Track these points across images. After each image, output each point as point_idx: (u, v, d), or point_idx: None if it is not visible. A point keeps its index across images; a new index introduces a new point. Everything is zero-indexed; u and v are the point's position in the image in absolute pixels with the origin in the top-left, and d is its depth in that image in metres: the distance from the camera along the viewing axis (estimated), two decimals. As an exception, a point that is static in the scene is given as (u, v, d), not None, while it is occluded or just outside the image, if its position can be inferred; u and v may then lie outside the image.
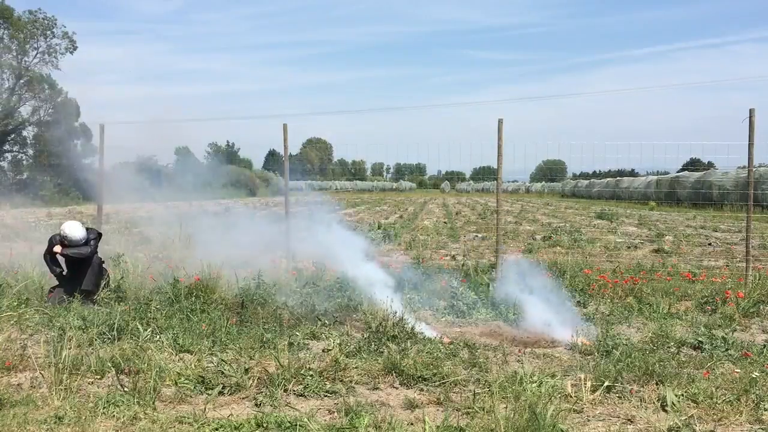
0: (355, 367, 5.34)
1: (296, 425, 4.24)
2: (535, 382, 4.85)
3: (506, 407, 4.35)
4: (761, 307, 7.96)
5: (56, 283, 8.00)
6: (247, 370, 5.15)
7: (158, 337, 6.07)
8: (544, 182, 69.71)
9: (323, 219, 9.05)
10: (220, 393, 4.92)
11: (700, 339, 6.21)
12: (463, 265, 10.28)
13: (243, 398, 4.87)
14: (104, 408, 4.53)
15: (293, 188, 10.25)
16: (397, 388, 5.10)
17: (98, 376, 5.22)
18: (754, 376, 5.01)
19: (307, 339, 6.24)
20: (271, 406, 4.63)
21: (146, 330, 6.07)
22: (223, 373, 5.17)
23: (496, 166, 10.04)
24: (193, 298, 7.48)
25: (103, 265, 8.31)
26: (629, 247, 14.99)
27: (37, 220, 20.16)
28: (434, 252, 13.80)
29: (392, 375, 5.26)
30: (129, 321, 6.37)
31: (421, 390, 5.02)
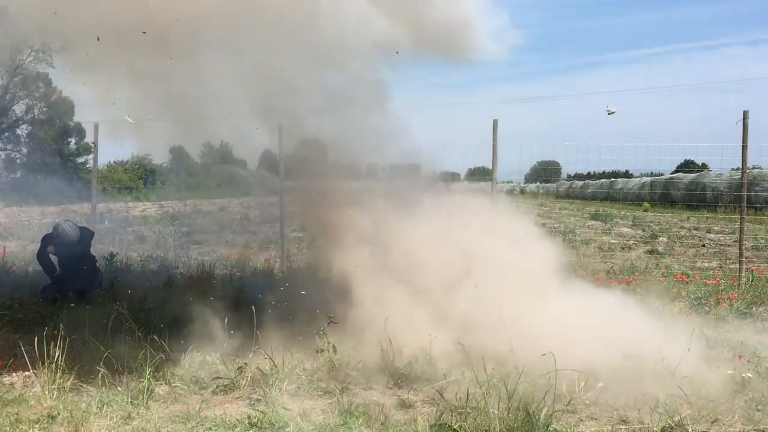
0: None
1: (290, 425, 4.24)
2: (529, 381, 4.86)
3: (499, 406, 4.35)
4: (754, 308, 7.99)
5: (49, 282, 7.97)
6: (240, 369, 5.15)
7: (152, 336, 6.04)
8: (538, 183, 69.74)
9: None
10: (214, 392, 4.92)
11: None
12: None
13: (237, 398, 4.87)
14: (97, 407, 4.52)
15: (289, 189, 10.25)
16: (390, 388, 5.11)
17: (92, 376, 5.20)
18: (746, 376, 5.04)
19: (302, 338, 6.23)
20: (264, 405, 4.63)
21: (140, 329, 6.04)
22: (217, 372, 5.16)
23: (490, 167, 10.06)
24: (187, 297, 7.45)
25: (97, 264, 8.28)
26: (623, 248, 15.03)
27: (31, 218, 20.08)
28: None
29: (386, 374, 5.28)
30: (123, 320, 6.35)
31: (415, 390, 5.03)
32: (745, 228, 10.28)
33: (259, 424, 4.28)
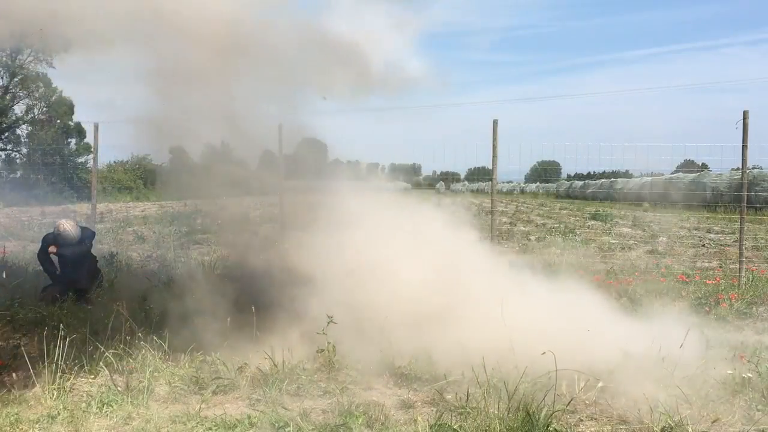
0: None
1: (290, 425, 4.24)
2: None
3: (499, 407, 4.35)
4: (754, 308, 7.99)
5: (50, 282, 7.97)
6: (240, 369, 5.15)
7: (152, 336, 6.04)
8: (538, 183, 69.80)
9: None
10: (214, 392, 4.91)
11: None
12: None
13: (237, 398, 4.87)
14: (98, 407, 4.52)
15: (289, 189, 10.29)
16: (390, 388, 5.11)
17: (92, 376, 5.21)
18: (746, 376, 5.04)
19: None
20: (264, 405, 4.63)
21: (140, 329, 6.04)
22: (217, 372, 5.16)
23: (490, 167, 10.07)
24: (187, 297, 7.45)
25: (97, 264, 8.29)
26: (623, 248, 15.03)
27: (31, 218, 20.07)
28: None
29: (386, 375, 5.28)
30: (123, 320, 6.35)
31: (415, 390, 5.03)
32: (745, 228, 10.28)
33: (259, 424, 4.29)
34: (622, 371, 5.12)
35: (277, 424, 4.26)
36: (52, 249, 7.83)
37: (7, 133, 43.79)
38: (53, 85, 43.18)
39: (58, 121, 43.04)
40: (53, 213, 23.37)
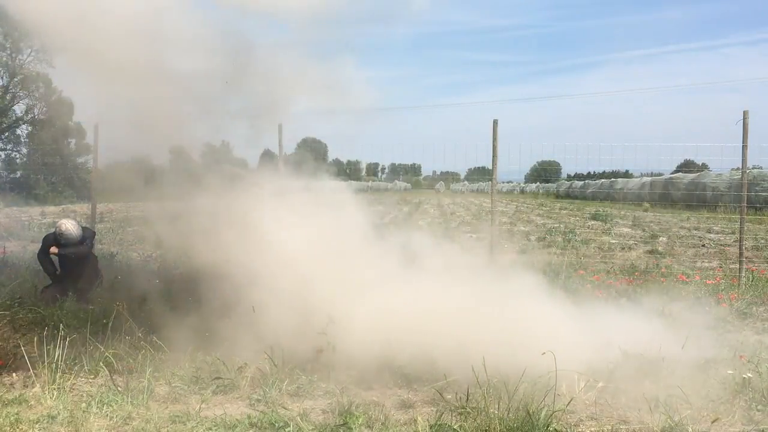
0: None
1: (290, 425, 4.24)
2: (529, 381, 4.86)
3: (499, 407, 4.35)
4: (754, 308, 7.99)
5: (49, 282, 7.97)
6: (240, 369, 5.15)
7: (152, 336, 6.04)
8: (538, 183, 69.86)
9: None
10: (214, 392, 4.91)
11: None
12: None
13: (237, 398, 4.86)
14: (97, 407, 4.52)
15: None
16: (390, 388, 5.11)
17: (92, 376, 5.20)
18: (746, 376, 5.04)
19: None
20: (264, 405, 4.63)
21: (140, 329, 6.04)
22: (217, 372, 5.16)
23: (490, 167, 10.07)
24: (188, 297, 7.44)
25: (98, 264, 8.28)
26: (623, 248, 15.03)
27: (31, 218, 20.07)
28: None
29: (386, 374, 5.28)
30: (123, 320, 6.35)
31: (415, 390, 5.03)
32: (745, 228, 10.28)
33: (259, 424, 4.28)
34: (621, 371, 5.12)
35: (277, 424, 4.26)
36: (53, 249, 7.82)
37: (7, 133, 43.75)
38: (53, 85, 43.11)
39: (58, 121, 42.99)
40: (53, 213, 23.37)
